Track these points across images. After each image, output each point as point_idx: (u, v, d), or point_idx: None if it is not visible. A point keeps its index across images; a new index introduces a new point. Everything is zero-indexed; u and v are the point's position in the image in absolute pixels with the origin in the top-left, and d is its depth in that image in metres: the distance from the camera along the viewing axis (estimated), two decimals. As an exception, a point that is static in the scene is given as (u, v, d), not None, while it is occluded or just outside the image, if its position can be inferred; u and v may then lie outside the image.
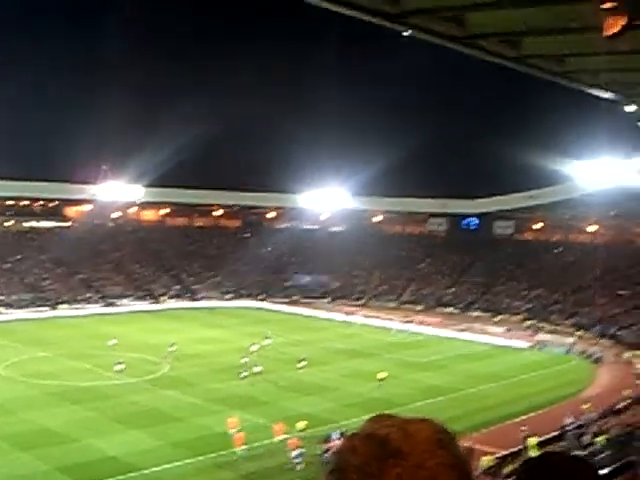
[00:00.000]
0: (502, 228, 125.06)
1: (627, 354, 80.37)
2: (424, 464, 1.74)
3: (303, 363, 67.79)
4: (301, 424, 48.48)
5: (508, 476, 37.52)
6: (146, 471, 41.32)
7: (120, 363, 64.72)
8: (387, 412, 1.95)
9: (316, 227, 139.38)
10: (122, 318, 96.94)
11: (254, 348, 73.90)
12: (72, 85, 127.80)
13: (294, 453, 42.65)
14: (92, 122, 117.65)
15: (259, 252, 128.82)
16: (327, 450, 43.31)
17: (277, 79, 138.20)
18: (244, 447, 44.01)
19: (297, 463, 42.41)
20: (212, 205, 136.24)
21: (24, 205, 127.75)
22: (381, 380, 64.13)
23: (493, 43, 21.24)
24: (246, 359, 67.80)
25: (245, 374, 63.35)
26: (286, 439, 44.97)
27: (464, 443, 44.50)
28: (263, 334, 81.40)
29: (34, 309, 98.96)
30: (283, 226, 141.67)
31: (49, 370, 64.95)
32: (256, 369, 65.12)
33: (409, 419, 1.89)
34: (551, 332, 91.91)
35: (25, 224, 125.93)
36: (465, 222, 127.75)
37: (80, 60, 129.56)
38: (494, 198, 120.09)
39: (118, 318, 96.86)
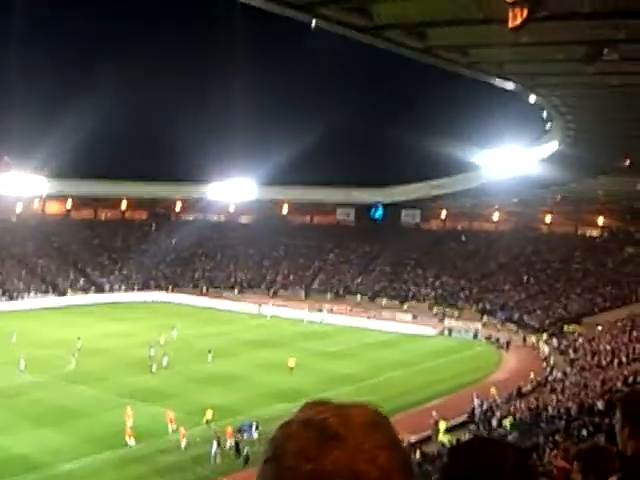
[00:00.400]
0: (409, 217, 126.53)
1: (532, 338, 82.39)
2: (362, 446, 1.74)
3: (209, 355, 67.54)
4: (208, 414, 49.00)
5: (421, 463, 38.15)
6: (60, 467, 40.75)
7: (21, 359, 63.23)
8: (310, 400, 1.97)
9: (224, 219, 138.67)
10: (27, 314, 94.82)
11: (162, 340, 73.69)
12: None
13: (214, 446, 42.62)
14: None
15: (167, 244, 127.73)
16: (238, 442, 43.44)
17: (183, 67, 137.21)
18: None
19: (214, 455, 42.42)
20: (118, 197, 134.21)
21: None
22: (291, 368, 65.81)
23: (400, 34, 21.51)
24: (152, 351, 67.69)
25: (154, 368, 62.90)
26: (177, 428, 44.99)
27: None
28: (170, 326, 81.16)
29: None
30: (191, 218, 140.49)
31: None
32: (164, 360, 65.19)
33: (345, 404, 1.90)
34: (458, 318, 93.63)
35: None
36: (372, 211, 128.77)
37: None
38: (401, 187, 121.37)
39: (23, 314, 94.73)
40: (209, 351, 68.14)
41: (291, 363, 66.10)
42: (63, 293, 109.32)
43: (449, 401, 55.55)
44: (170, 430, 46.17)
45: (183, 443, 44.19)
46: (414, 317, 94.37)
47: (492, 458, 2.60)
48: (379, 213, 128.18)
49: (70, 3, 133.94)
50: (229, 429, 45.39)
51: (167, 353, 67.01)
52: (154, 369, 63.07)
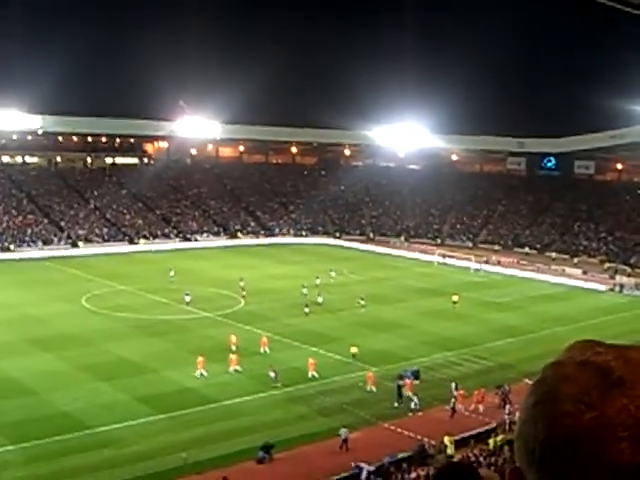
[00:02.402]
0: (582, 168, 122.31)
1: None
2: None
3: (362, 302, 67.84)
4: (354, 349, 50.81)
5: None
6: (226, 402, 42.25)
7: (187, 294, 66.57)
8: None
9: (393, 165, 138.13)
10: (199, 253, 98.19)
11: (317, 282, 75.32)
12: (152, 24, 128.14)
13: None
14: (171, 60, 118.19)
15: (335, 190, 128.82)
16: (400, 387, 43.67)
17: (345, 18, 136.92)
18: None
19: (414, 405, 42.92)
20: (289, 142, 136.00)
21: (103, 142, 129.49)
22: (455, 303, 69.24)
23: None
24: (305, 290, 70.19)
25: (307, 310, 64.25)
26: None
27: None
28: (330, 270, 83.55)
29: (113, 244, 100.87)
30: (360, 164, 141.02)
31: (128, 303, 66.43)
32: (319, 299, 67.69)
33: (623, 345, 1.66)
34: (630, 275, 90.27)
35: (105, 160, 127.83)
36: (544, 161, 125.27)
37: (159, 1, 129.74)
38: (574, 137, 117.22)
39: (195, 253, 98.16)
40: (361, 298, 68.38)
41: (454, 298, 70.04)
42: (234, 235, 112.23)
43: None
44: (310, 375, 47.07)
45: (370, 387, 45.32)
46: (584, 272, 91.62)
47: None
48: (552, 163, 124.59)
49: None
50: (369, 374, 46.23)
51: (321, 294, 69.04)
52: (307, 310, 64.29)
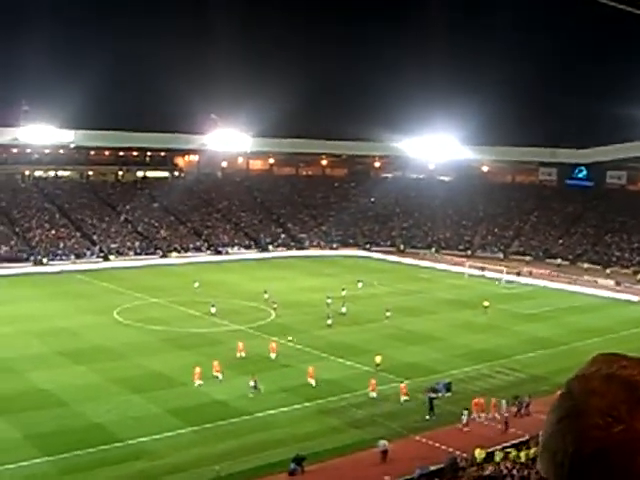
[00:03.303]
0: (614, 178, 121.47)
1: None
2: None
3: (388, 314, 67.45)
4: (378, 358, 51.24)
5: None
6: (259, 414, 42.32)
7: (213, 306, 67.45)
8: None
9: (423, 176, 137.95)
10: (230, 266, 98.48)
11: (343, 293, 75.73)
12: (183, 38, 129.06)
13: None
14: (202, 73, 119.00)
15: (365, 201, 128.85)
16: (432, 399, 43.48)
17: (376, 29, 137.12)
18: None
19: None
20: (319, 154, 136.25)
21: (135, 155, 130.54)
22: (486, 307, 71.23)
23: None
24: (329, 301, 70.99)
25: (330, 321, 64.32)
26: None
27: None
28: (358, 280, 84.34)
29: (145, 257, 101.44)
30: (390, 175, 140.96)
31: (159, 316, 66.71)
32: (343, 309, 68.54)
33: None
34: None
35: (137, 174, 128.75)
36: (576, 171, 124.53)
37: (190, 14, 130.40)
38: (606, 147, 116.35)
39: (226, 266, 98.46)
40: (387, 310, 68.08)
41: (485, 303, 72.19)
42: (265, 248, 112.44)
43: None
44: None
45: (372, 394, 45.68)
46: (617, 283, 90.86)
47: None
48: (583, 173, 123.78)
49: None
50: (402, 385, 46.29)
51: (346, 305, 69.90)
52: (329, 322, 64.31)
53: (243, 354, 53.41)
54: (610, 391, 1.60)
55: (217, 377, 47.94)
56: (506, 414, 42.02)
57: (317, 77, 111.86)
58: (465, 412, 42.15)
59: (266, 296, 73.11)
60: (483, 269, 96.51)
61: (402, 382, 47.18)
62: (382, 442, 37.13)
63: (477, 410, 43.08)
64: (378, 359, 51.45)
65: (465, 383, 49.19)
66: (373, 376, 48.07)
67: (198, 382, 47.16)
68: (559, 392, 1.72)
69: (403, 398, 45.25)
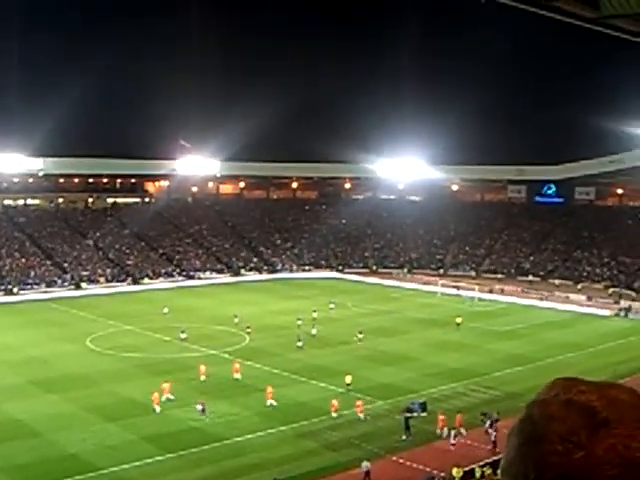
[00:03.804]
0: (583, 194, 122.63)
1: None
2: (636, 434, 1.59)
3: (360, 335, 67.47)
4: (348, 378, 51.56)
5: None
6: (230, 441, 41.96)
7: (183, 332, 67.27)
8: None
9: (393, 197, 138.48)
10: (203, 291, 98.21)
11: (314, 315, 75.97)
12: (151, 65, 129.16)
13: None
14: (171, 99, 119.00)
15: (336, 223, 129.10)
16: (407, 419, 43.47)
17: (344, 53, 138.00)
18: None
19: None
20: (288, 177, 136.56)
21: (104, 182, 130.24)
22: (458, 324, 72.92)
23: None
24: (300, 322, 71.59)
25: (300, 344, 64.26)
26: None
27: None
28: (330, 302, 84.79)
29: (117, 283, 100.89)
30: (360, 196, 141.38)
31: (132, 343, 66.36)
32: (313, 331, 68.80)
33: (602, 383, 1.75)
34: (635, 300, 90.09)
35: (107, 200, 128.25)
36: (545, 189, 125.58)
37: (160, 40, 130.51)
38: (574, 164, 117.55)
39: (199, 291, 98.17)
40: (359, 332, 68.06)
41: (458, 320, 73.99)
42: (237, 272, 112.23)
43: (632, 384, 53.54)
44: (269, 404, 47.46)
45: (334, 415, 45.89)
46: (588, 298, 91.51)
47: None
48: (552, 190, 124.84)
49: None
50: (358, 403, 46.74)
51: (316, 327, 70.18)
52: (300, 344, 64.29)
53: (203, 377, 53.60)
54: (569, 416, 1.62)
55: (170, 399, 48.24)
56: (494, 432, 41.81)
57: (286, 99, 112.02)
58: (453, 431, 42.21)
59: (236, 320, 73.24)
60: (458, 288, 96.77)
61: (359, 400, 47.40)
62: (365, 463, 37.06)
63: (459, 427, 43.21)
64: (348, 379, 51.68)
65: (440, 402, 49.18)
66: (337, 397, 47.99)
67: (166, 396, 48.16)
68: (519, 416, 1.73)
69: (360, 415, 45.64)
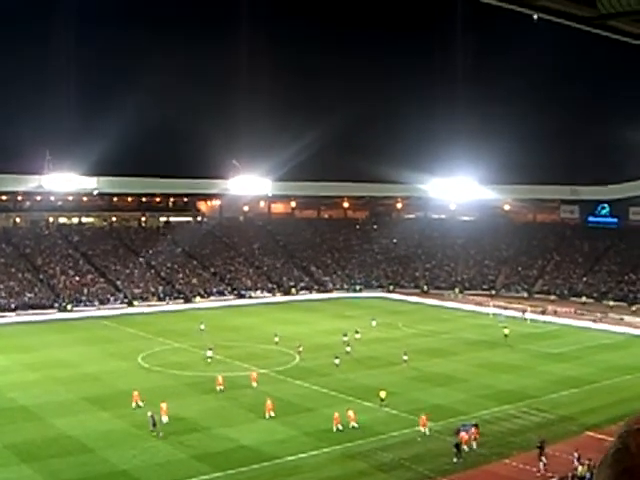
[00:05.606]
0: (637, 215, 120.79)
1: None
2: None
3: (405, 357, 66.40)
4: (382, 394, 51.73)
5: None
6: (280, 460, 41.80)
7: (211, 349, 67.21)
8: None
9: (445, 216, 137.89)
10: (254, 310, 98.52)
11: (357, 335, 76.24)
12: (204, 86, 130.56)
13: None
14: (224, 120, 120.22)
15: (387, 243, 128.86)
16: (458, 442, 42.97)
17: (397, 72, 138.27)
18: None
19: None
20: (340, 197, 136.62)
21: (157, 201, 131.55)
22: (506, 336, 75.43)
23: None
24: (346, 338, 72.23)
25: (337, 361, 63.95)
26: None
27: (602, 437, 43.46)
28: (372, 319, 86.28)
29: (169, 301, 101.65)
30: (412, 216, 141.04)
31: (183, 360, 66.73)
32: (347, 349, 69.14)
33: None
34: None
35: (159, 219, 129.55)
36: (598, 209, 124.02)
37: (212, 61, 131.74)
38: (628, 184, 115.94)
39: (249, 310, 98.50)
40: (404, 353, 66.92)
41: (506, 331, 77.14)
42: (288, 291, 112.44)
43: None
44: (335, 429, 46.64)
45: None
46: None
47: None
48: (606, 210, 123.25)
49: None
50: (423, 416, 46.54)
51: (352, 345, 70.83)
52: (337, 361, 63.94)
53: (222, 387, 55.75)
54: None
55: (138, 405, 50.59)
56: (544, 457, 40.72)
57: (337, 120, 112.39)
58: (542, 460, 40.42)
59: (276, 339, 73.39)
60: (524, 312, 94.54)
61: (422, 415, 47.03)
62: None
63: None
64: (383, 394, 51.67)
65: (491, 424, 48.61)
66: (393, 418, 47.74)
67: (136, 403, 50.88)
68: (612, 447, 1.65)
69: (422, 430, 45.62)
